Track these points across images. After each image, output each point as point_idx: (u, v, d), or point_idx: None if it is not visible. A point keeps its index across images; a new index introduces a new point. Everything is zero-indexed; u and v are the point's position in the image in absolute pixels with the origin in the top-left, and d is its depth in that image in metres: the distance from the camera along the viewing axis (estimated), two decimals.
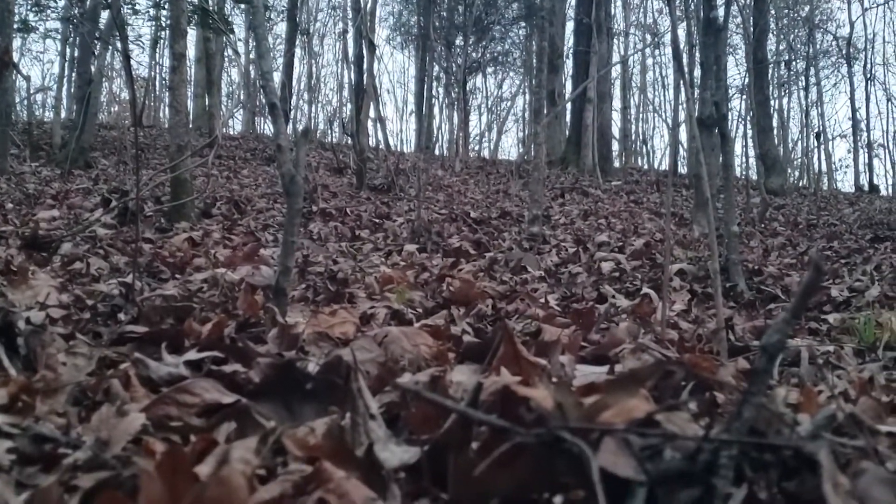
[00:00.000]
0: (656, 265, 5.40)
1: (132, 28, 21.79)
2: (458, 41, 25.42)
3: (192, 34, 16.50)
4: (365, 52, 14.47)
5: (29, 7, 17.82)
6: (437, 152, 24.16)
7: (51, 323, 2.20)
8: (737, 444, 0.92)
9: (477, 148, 32.05)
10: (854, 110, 26.31)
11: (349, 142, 14.53)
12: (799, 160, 29.86)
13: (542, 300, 3.81)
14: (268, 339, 2.21)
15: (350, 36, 19.30)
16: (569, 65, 22.55)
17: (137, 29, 31.19)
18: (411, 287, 3.78)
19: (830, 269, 5.74)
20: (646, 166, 26.04)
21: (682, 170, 20.74)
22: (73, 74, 18.20)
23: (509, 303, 3.67)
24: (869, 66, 28.06)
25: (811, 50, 26.16)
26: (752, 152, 21.99)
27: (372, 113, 16.46)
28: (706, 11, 7.05)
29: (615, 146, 25.75)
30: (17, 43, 20.64)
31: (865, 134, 29.54)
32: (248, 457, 0.99)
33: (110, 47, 14.71)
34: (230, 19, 15.24)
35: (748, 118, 23.22)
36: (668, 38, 22.67)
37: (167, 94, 20.01)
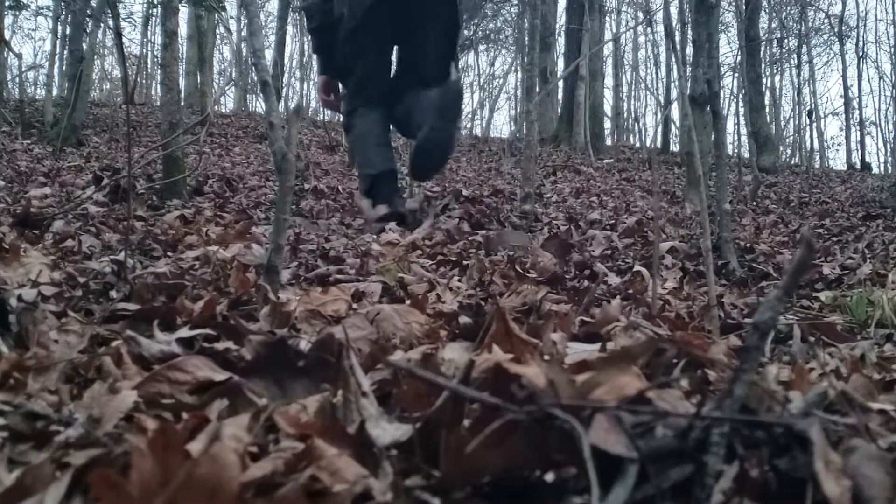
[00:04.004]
0: (648, 243, 5.40)
1: (124, 5, 21.73)
2: None
3: (183, 11, 16.45)
4: None
5: None
6: None
7: (43, 300, 2.20)
8: (728, 421, 0.92)
9: (469, 126, 32.01)
10: (846, 88, 26.34)
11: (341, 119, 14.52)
12: (791, 138, 29.88)
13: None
14: (260, 317, 2.21)
15: None
16: (561, 42, 22.51)
17: (129, 6, 31.12)
18: (402, 265, 3.78)
19: (822, 246, 5.74)
20: (638, 144, 26.04)
21: (674, 147, 20.74)
22: (65, 52, 18.13)
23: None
24: (861, 43, 28.11)
25: (803, 27, 26.15)
26: (743, 130, 21.94)
27: None
28: None
29: (607, 124, 25.79)
30: (8, 20, 20.56)
31: (857, 112, 29.67)
32: (239, 434, 0.99)
33: (102, 25, 14.65)
34: None
35: (740, 96, 23.19)
36: (660, 15, 22.64)
37: (159, 71, 19.97)
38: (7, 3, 13.88)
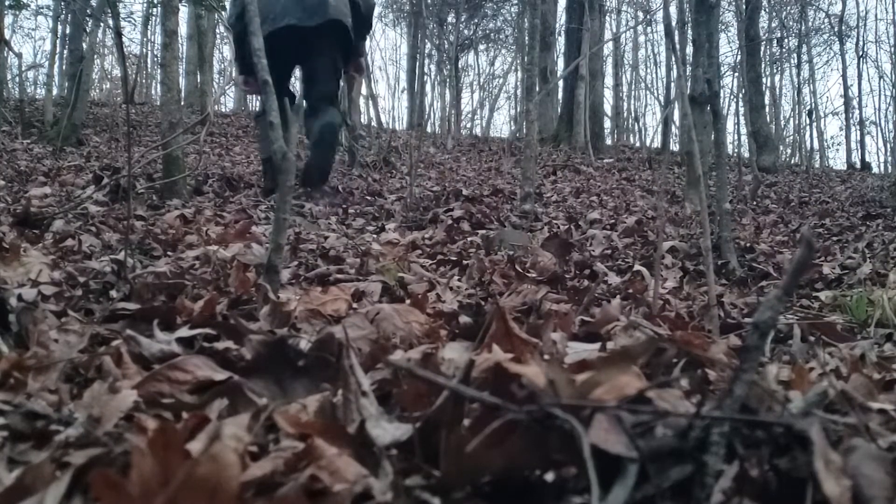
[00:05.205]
0: (648, 242, 5.40)
1: (124, 5, 21.70)
2: (451, 18, 25.37)
3: (183, 11, 16.42)
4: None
5: None
6: (429, 130, 24.11)
7: (43, 300, 2.20)
8: (728, 421, 0.92)
9: (469, 125, 31.99)
10: (846, 88, 26.32)
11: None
12: (791, 138, 29.86)
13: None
14: (260, 317, 2.21)
15: None
16: (561, 42, 22.48)
17: (129, 6, 31.11)
18: (402, 265, 3.78)
19: (822, 246, 5.74)
20: (638, 144, 26.00)
21: (674, 147, 20.73)
22: (65, 51, 18.13)
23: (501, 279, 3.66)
24: (861, 43, 28.09)
25: (803, 27, 26.14)
26: (743, 130, 21.89)
27: (364, 90, 16.41)
28: None
29: (607, 123, 25.75)
30: (8, 20, 20.57)
31: (857, 111, 29.64)
32: (239, 434, 0.99)
33: (102, 24, 14.65)
34: None
35: (740, 96, 23.17)
36: (660, 15, 22.62)
37: (159, 71, 19.96)
38: (7, 3, 13.86)
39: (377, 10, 28.42)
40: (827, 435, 0.96)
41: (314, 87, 7.46)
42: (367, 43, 8.17)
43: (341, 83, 8.36)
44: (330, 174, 7.83)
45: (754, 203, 10.14)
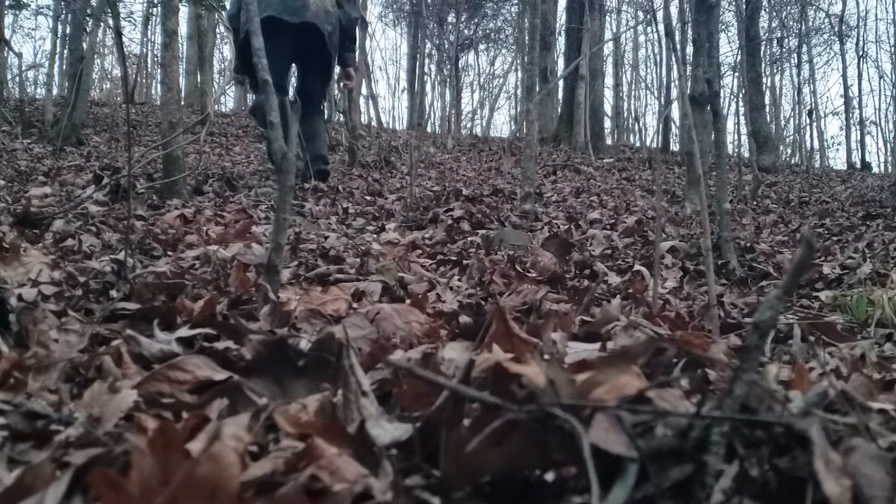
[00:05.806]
0: (648, 242, 5.40)
1: (124, 5, 21.67)
2: (451, 18, 25.36)
3: (183, 11, 16.41)
4: (357, 28, 14.39)
5: None
6: (429, 129, 24.08)
7: (43, 300, 2.20)
8: (728, 420, 0.92)
9: (469, 125, 31.96)
10: (846, 87, 26.29)
11: (341, 119, 14.47)
12: (791, 137, 29.84)
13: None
14: (260, 316, 2.21)
15: None
16: (561, 42, 22.46)
17: (129, 5, 31.06)
18: (402, 265, 3.78)
19: (822, 246, 5.74)
20: (638, 144, 25.98)
21: (674, 147, 20.70)
22: (65, 51, 18.11)
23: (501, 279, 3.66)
24: (861, 43, 28.07)
25: (803, 27, 26.13)
26: (744, 129, 21.89)
27: (364, 90, 16.43)
28: None
29: (607, 123, 25.72)
30: (8, 19, 20.56)
31: (857, 111, 29.60)
32: (240, 433, 0.99)
33: (102, 24, 14.62)
34: None
35: (740, 95, 23.17)
36: (660, 15, 22.61)
37: (159, 71, 19.94)
38: (7, 3, 13.87)
39: (377, 10, 28.45)
40: (827, 435, 0.96)
41: (301, 88, 8.17)
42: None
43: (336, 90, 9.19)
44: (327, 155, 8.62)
45: (754, 203, 10.13)
